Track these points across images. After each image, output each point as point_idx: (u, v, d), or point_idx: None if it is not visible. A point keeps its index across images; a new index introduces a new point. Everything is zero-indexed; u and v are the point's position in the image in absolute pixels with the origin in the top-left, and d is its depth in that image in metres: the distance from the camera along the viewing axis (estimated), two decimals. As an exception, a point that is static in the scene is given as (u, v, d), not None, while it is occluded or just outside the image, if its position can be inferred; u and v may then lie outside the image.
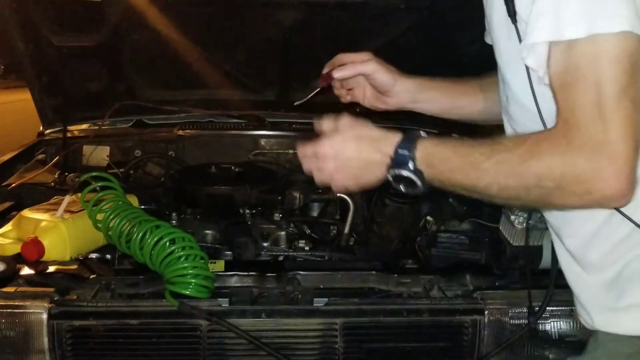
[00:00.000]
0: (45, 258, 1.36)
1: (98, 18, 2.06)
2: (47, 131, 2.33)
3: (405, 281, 1.36)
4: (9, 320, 1.18)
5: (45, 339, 1.18)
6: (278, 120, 2.45)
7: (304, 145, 1.10)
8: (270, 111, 2.48)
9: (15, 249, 1.38)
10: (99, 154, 2.25)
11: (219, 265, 1.38)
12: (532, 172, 0.90)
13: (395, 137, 1.03)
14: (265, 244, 1.68)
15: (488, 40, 1.37)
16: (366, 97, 1.40)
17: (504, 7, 1.00)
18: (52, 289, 1.22)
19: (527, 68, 0.98)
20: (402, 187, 1.04)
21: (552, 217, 1.15)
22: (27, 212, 1.50)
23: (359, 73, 1.35)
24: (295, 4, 2.05)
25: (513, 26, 0.99)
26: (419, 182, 1.01)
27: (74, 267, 1.34)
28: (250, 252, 1.61)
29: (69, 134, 2.28)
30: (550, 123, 0.99)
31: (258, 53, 2.27)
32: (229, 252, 1.61)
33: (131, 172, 2.11)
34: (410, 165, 1.00)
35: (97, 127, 2.36)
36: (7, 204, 1.74)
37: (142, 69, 2.32)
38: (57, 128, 2.30)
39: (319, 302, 1.25)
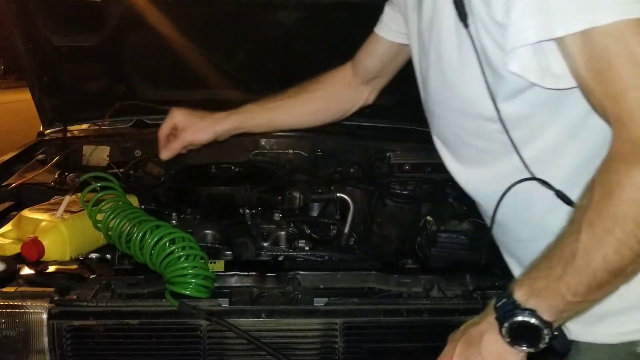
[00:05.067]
0: (45, 258, 1.36)
1: (98, 18, 2.06)
2: (47, 131, 2.33)
3: (405, 281, 1.36)
4: (9, 320, 1.18)
5: (45, 339, 1.18)
6: (278, 120, 2.45)
7: None
8: (271, 111, 2.48)
9: (15, 249, 1.38)
10: (99, 154, 2.24)
11: (219, 265, 1.38)
12: (623, 204, 0.75)
13: (492, 302, 0.92)
14: (265, 244, 1.68)
15: (385, 33, 1.45)
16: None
17: (453, 16, 0.95)
18: (52, 289, 1.22)
19: (485, 76, 0.94)
20: (539, 347, 0.87)
21: (506, 237, 1.14)
22: (27, 212, 1.50)
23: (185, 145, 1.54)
24: (295, 4, 2.05)
25: (465, 32, 0.94)
26: (538, 323, 0.85)
27: (74, 267, 1.34)
28: (250, 252, 1.61)
29: (69, 134, 2.28)
30: (513, 127, 0.96)
31: (258, 53, 2.27)
32: (229, 252, 1.61)
33: (131, 172, 2.11)
34: (516, 308, 0.85)
35: (97, 127, 2.36)
36: (7, 204, 1.74)
37: (142, 69, 2.32)
38: (57, 128, 2.30)
39: (319, 302, 1.25)
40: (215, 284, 1.30)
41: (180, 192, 1.92)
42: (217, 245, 1.65)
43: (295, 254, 1.64)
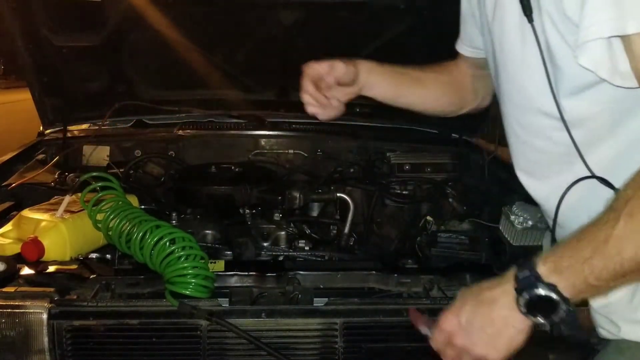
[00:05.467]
0: (45, 258, 1.36)
1: (98, 18, 2.07)
2: (47, 131, 2.33)
3: (405, 281, 1.36)
4: (9, 320, 1.18)
5: (45, 339, 1.18)
6: (278, 120, 2.45)
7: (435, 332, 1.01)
8: (270, 111, 2.48)
9: (15, 249, 1.38)
10: (99, 154, 2.25)
11: (219, 265, 1.38)
12: None
13: (510, 271, 0.92)
14: (265, 244, 1.68)
15: (461, 49, 1.38)
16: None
17: (517, 10, 0.96)
18: (52, 289, 1.22)
19: (547, 71, 0.95)
20: (551, 326, 0.89)
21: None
22: (27, 212, 1.50)
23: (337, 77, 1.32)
24: (295, 4, 2.05)
25: (529, 27, 0.95)
26: (557, 297, 0.86)
27: (74, 267, 1.34)
28: (250, 252, 1.61)
29: (69, 134, 2.28)
30: (575, 126, 0.96)
31: (258, 53, 2.27)
32: (229, 252, 1.61)
33: (131, 172, 2.11)
34: (538, 281, 0.87)
35: (97, 127, 2.36)
36: (7, 204, 1.73)
37: (142, 69, 2.32)
38: (57, 128, 2.30)
39: (319, 302, 1.25)
40: (215, 284, 1.30)
41: (180, 192, 1.92)
42: (217, 245, 1.65)
43: (295, 254, 1.64)
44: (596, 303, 1.10)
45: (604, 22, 0.82)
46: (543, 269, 0.88)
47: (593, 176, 0.98)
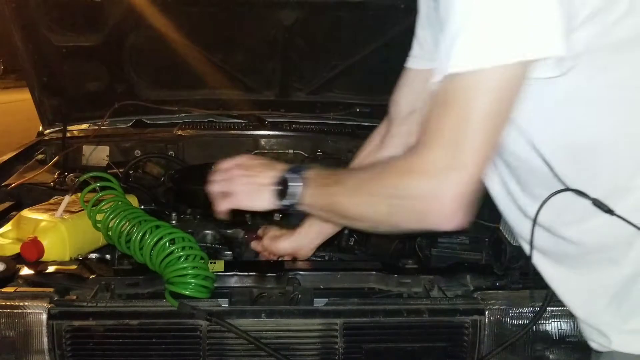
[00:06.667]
0: (44, 258, 1.36)
1: (98, 18, 2.07)
2: (47, 131, 2.33)
3: (405, 281, 1.36)
4: (9, 320, 1.18)
5: (45, 339, 1.18)
6: (278, 120, 2.46)
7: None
8: (270, 111, 2.48)
9: (15, 249, 1.38)
10: (99, 154, 2.25)
11: (219, 265, 1.38)
12: (380, 188, 0.96)
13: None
14: (265, 244, 1.68)
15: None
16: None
17: None
18: (51, 289, 1.22)
19: None
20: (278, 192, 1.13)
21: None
22: (26, 212, 1.50)
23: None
24: (295, 4, 2.05)
25: None
26: (294, 185, 1.08)
27: (74, 267, 1.34)
28: (250, 252, 1.61)
29: (68, 134, 2.28)
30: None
31: (258, 53, 2.27)
32: (229, 252, 1.61)
33: (131, 172, 2.11)
34: (293, 173, 1.10)
35: (97, 127, 2.36)
36: (7, 204, 1.74)
37: (142, 69, 2.32)
38: (57, 128, 2.30)
39: (319, 302, 1.25)
40: (215, 284, 1.30)
41: (180, 192, 1.92)
42: (217, 245, 1.65)
43: (295, 254, 1.64)
44: (581, 313, 1.09)
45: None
46: (307, 171, 1.10)
47: (568, 189, 0.98)
